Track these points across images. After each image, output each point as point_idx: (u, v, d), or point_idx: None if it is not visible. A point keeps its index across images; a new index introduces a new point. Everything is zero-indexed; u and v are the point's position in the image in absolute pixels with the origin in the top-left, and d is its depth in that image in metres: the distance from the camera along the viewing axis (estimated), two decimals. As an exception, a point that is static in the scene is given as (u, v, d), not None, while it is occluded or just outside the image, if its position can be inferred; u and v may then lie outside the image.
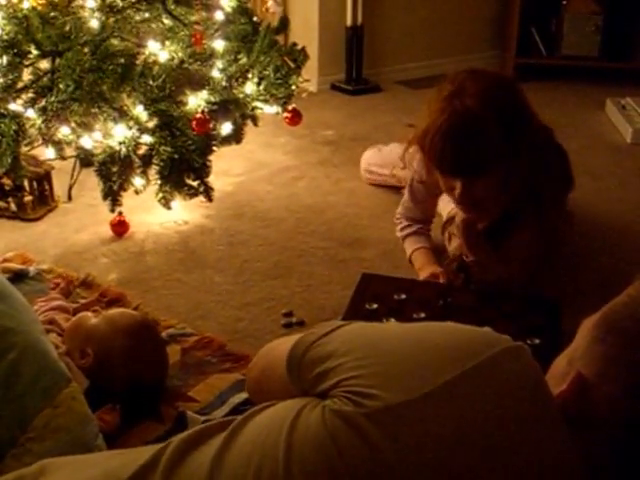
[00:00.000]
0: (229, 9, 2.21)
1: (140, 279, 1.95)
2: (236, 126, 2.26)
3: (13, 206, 2.28)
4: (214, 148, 2.17)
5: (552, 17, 3.85)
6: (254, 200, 2.45)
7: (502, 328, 0.95)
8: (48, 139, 2.02)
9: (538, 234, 1.79)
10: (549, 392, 0.81)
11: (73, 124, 1.99)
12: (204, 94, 2.10)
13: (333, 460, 0.78)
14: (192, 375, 1.55)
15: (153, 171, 2.08)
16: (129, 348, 1.43)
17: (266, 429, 0.85)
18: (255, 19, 2.27)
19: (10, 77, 1.87)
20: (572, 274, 2.00)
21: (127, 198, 2.12)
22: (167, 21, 2.07)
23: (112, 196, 2.05)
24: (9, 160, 1.87)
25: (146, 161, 2.04)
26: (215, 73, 2.14)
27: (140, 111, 1.99)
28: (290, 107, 2.29)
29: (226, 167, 2.61)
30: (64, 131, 2.00)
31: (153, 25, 2.07)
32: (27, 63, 1.91)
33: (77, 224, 2.25)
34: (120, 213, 2.14)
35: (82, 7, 1.99)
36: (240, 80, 2.21)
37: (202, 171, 2.10)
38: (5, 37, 1.87)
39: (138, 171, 2.06)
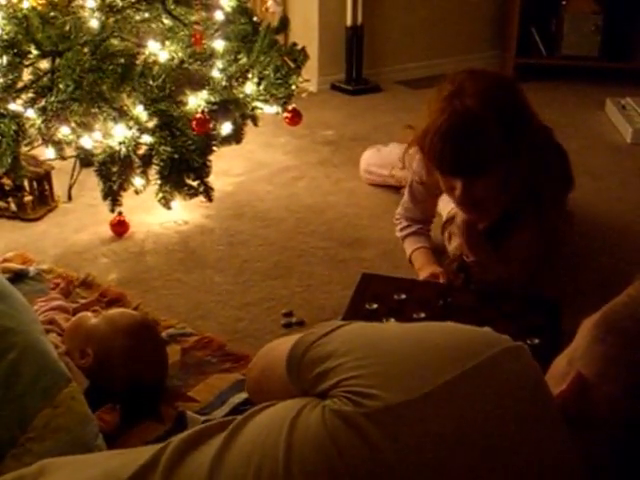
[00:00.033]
0: (229, 9, 2.21)
1: (140, 279, 1.95)
2: (236, 126, 2.26)
3: (13, 206, 2.28)
4: (214, 148, 2.17)
5: (552, 17, 3.84)
6: (254, 200, 2.45)
7: (502, 328, 0.95)
8: (48, 139, 2.02)
9: (538, 234, 1.79)
10: (549, 392, 0.81)
11: (73, 124, 1.99)
12: (204, 94, 2.10)
13: (333, 460, 0.78)
14: (192, 375, 1.55)
15: (153, 171, 2.08)
16: (129, 348, 1.43)
17: (266, 429, 0.85)
18: (255, 19, 2.27)
19: (10, 77, 1.87)
20: (572, 274, 2.00)
21: (127, 198, 2.12)
22: (167, 21, 2.07)
23: (112, 196, 2.05)
24: (9, 160, 1.87)
25: (146, 161, 2.04)
26: (215, 73, 2.14)
27: (140, 111, 1.99)
28: (290, 107, 2.29)
29: (226, 167, 2.61)
30: (64, 131, 2.00)
31: (153, 25, 2.07)
32: (27, 63, 1.91)
33: (77, 224, 2.25)
34: (120, 213, 2.14)
35: (82, 7, 1.99)
36: (240, 80, 2.21)
37: (202, 171, 2.10)
38: (5, 37, 1.87)
39: (138, 171, 2.06)
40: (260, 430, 0.86)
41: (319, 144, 2.95)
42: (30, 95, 1.89)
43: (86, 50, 1.90)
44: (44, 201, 2.32)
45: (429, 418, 0.77)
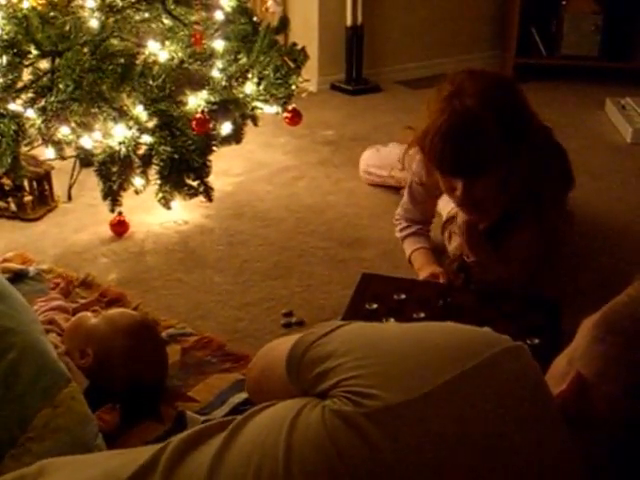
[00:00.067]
0: (229, 9, 2.21)
1: (140, 279, 1.95)
2: (236, 126, 2.26)
3: (13, 206, 2.28)
4: (214, 148, 2.17)
5: (552, 17, 3.84)
6: (254, 200, 2.45)
7: (502, 328, 0.95)
8: (48, 139, 2.02)
9: (538, 234, 1.79)
10: (549, 392, 0.81)
11: (73, 124, 1.99)
12: (204, 94, 2.10)
13: (333, 460, 0.78)
14: (192, 375, 1.55)
15: (153, 171, 2.08)
16: (129, 348, 1.43)
17: (266, 429, 0.85)
18: (255, 19, 2.27)
19: (10, 77, 1.87)
20: (572, 274, 2.00)
21: (127, 198, 2.12)
22: (167, 21, 2.07)
23: (112, 196, 2.05)
24: (9, 160, 1.87)
25: (146, 161, 2.04)
26: (215, 73, 2.14)
27: (140, 111, 1.99)
28: (290, 107, 2.29)
29: (226, 167, 2.61)
30: (64, 131, 2.00)
31: (153, 25, 2.07)
32: (27, 63, 1.91)
33: (77, 224, 2.25)
34: (120, 213, 2.14)
35: (82, 7, 1.99)
36: (240, 80, 2.21)
37: (202, 171, 2.10)
38: (5, 37, 1.87)
39: (138, 171, 2.06)
40: (260, 430, 0.86)
41: (319, 144, 2.95)
42: (30, 95, 1.89)
43: (86, 50, 1.90)
44: (44, 201, 2.32)
45: (429, 418, 0.77)
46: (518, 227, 1.80)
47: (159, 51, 2.06)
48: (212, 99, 2.10)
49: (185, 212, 2.30)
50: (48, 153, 2.11)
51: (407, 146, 1.92)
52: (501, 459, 0.76)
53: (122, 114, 1.97)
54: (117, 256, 2.07)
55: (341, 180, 2.61)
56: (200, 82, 2.11)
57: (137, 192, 2.13)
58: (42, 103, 1.88)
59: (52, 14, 1.95)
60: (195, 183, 2.11)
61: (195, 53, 2.09)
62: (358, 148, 2.73)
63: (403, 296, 1.75)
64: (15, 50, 1.87)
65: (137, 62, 1.98)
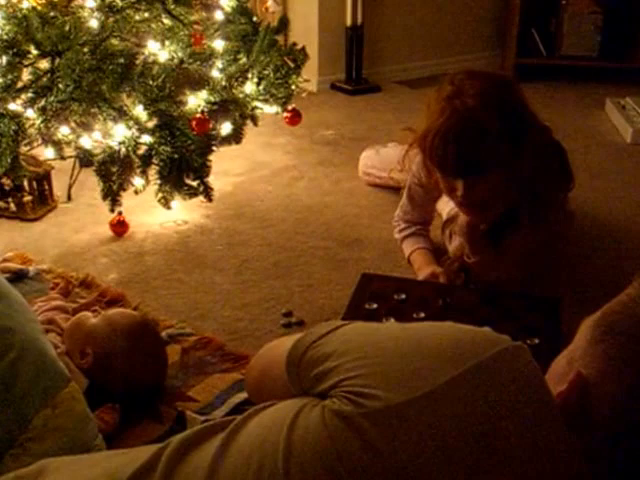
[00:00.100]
0: (229, 9, 2.21)
1: (140, 279, 1.95)
2: (236, 126, 2.26)
3: (13, 206, 2.27)
4: (214, 148, 2.17)
5: (552, 17, 3.85)
6: (254, 200, 2.45)
7: (502, 328, 0.94)
8: (48, 139, 2.02)
9: (538, 234, 1.79)
10: (549, 392, 0.81)
11: (73, 124, 1.99)
12: (204, 94, 2.10)
13: (332, 460, 0.78)
14: (192, 375, 1.55)
15: (153, 171, 2.08)
16: (129, 348, 1.43)
17: (266, 429, 0.85)
18: (255, 19, 2.27)
19: (9, 77, 1.87)
20: (572, 274, 2.00)
21: (127, 198, 2.12)
22: (167, 21, 2.07)
23: (112, 196, 2.05)
24: (9, 160, 1.87)
25: (146, 161, 2.04)
26: (215, 73, 2.15)
27: (140, 111, 1.99)
28: (290, 107, 2.29)
29: (226, 167, 2.61)
30: (64, 131, 2.00)
31: (153, 25, 2.07)
32: (26, 63, 1.91)
33: (77, 224, 2.25)
34: (120, 213, 2.14)
35: (82, 7, 2.00)
36: (240, 80, 2.21)
37: (202, 171, 2.10)
38: (5, 37, 1.87)
39: (138, 171, 2.06)
40: (260, 430, 0.86)
41: (319, 144, 2.95)
42: (30, 95, 1.89)
43: (86, 50, 1.90)
44: (44, 201, 2.32)
45: (429, 418, 0.77)
46: (518, 227, 1.80)
47: (159, 51, 2.06)
48: (212, 99, 2.10)
49: (185, 212, 2.30)
50: (48, 153, 2.11)
51: (407, 147, 1.92)
52: (501, 459, 0.76)
53: (122, 114, 1.96)
54: (117, 256, 2.07)
55: (341, 180, 2.61)
56: (200, 82, 2.11)
57: (137, 192, 2.14)
58: (42, 103, 1.88)
59: (52, 14, 1.95)
60: (195, 183, 2.11)
61: (195, 53, 2.09)
62: (358, 148, 2.73)
63: (403, 296, 1.75)
64: (15, 50, 1.87)
65: (137, 62, 1.98)
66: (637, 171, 2.73)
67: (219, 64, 2.16)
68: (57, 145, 2.07)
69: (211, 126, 2.08)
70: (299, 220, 2.31)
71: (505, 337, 0.85)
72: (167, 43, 2.07)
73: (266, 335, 1.70)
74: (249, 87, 2.22)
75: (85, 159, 2.19)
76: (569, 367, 0.82)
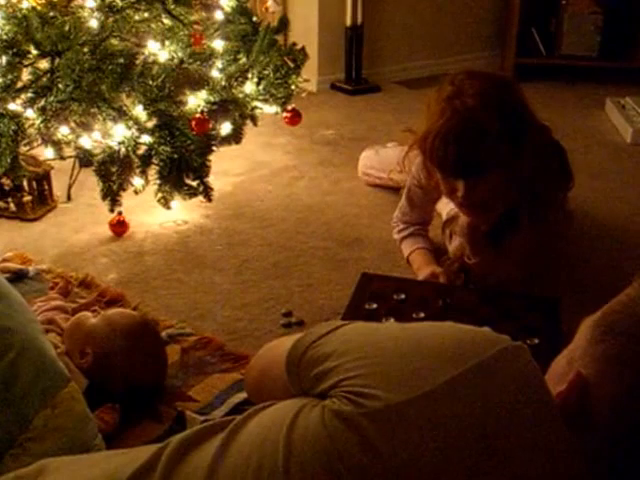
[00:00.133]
0: (228, 9, 2.21)
1: (139, 279, 1.95)
2: (235, 126, 2.26)
3: (12, 206, 2.27)
4: (213, 148, 2.17)
5: (552, 17, 3.85)
6: (253, 200, 2.44)
7: (502, 328, 0.95)
8: (47, 139, 2.02)
9: (538, 233, 1.79)
10: (549, 392, 0.81)
11: (72, 124, 1.99)
12: (203, 94, 2.10)
13: (332, 460, 0.78)
14: (191, 375, 1.55)
15: (152, 171, 2.08)
16: (128, 348, 1.43)
17: (265, 429, 0.85)
18: (255, 19, 2.27)
19: (9, 77, 1.87)
20: (572, 274, 2.00)
21: (126, 198, 2.12)
22: (167, 21, 2.07)
23: (111, 196, 2.05)
24: (8, 160, 1.87)
25: (145, 161, 2.04)
26: (214, 73, 2.14)
27: (139, 111, 1.99)
28: (290, 107, 2.29)
29: (225, 167, 2.61)
30: (63, 131, 2.00)
31: (152, 25, 2.07)
32: (26, 63, 1.91)
33: (76, 224, 2.25)
34: (119, 213, 2.14)
35: (81, 7, 1.99)
36: (240, 80, 2.20)
37: (201, 171, 2.10)
38: (4, 37, 1.87)
39: (137, 171, 2.06)
40: (260, 430, 0.86)
41: (318, 144, 2.95)
42: (29, 95, 1.89)
43: (85, 50, 1.90)
44: (43, 201, 2.32)
45: (429, 418, 0.77)
46: (518, 227, 1.79)
47: (159, 51, 2.06)
48: (212, 99, 2.10)
49: (185, 212, 2.29)
50: (47, 153, 2.11)
51: (407, 148, 1.92)
52: (500, 459, 0.76)
53: (122, 114, 1.96)
54: (116, 256, 2.07)
55: (341, 180, 2.61)
56: (200, 82, 2.11)
57: (136, 192, 2.14)
58: (42, 103, 1.88)
59: (52, 14, 1.95)
60: (195, 183, 2.11)
61: (195, 53, 2.09)
62: (358, 148, 2.73)
63: (403, 296, 1.75)
64: (15, 50, 1.87)
65: (137, 62, 1.98)
66: (637, 171, 2.73)
67: (219, 64, 2.16)
68: (57, 145, 2.07)
69: (211, 126, 2.08)
70: (299, 220, 2.31)
71: (505, 337, 0.85)
72: (167, 43, 2.07)
73: (266, 335, 1.70)
74: (249, 87, 2.22)
75: (85, 159, 2.19)
76: (569, 367, 0.82)
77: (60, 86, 1.86)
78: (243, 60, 2.20)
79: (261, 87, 2.22)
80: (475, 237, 1.79)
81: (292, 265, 2.04)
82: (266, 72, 2.21)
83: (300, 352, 0.92)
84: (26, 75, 1.93)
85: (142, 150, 2.03)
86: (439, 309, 1.71)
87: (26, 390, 1.18)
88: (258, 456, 0.82)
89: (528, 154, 1.69)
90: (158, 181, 2.07)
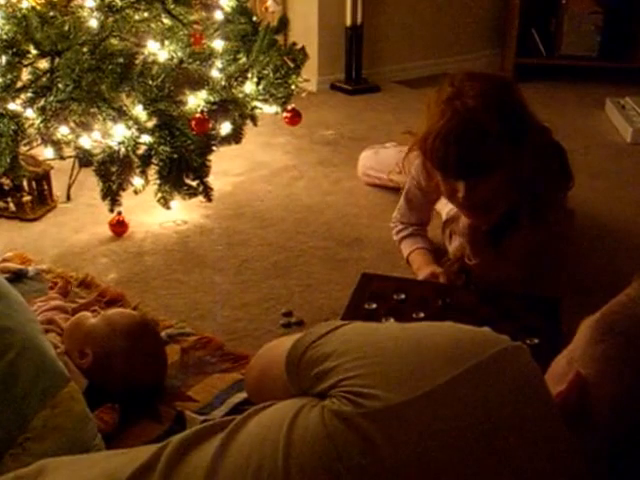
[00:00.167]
0: (228, 9, 2.21)
1: (139, 279, 1.95)
2: (235, 126, 2.26)
3: (12, 206, 2.27)
4: (213, 148, 2.17)
5: (552, 17, 3.85)
6: (253, 200, 2.44)
7: (501, 328, 0.94)
8: (47, 139, 2.02)
9: (538, 234, 1.79)
10: (549, 392, 0.80)
11: (72, 124, 1.99)
12: (203, 94, 2.10)
13: (332, 460, 0.78)
14: (191, 375, 1.55)
15: (152, 171, 2.08)
16: (128, 348, 1.43)
17: (265, 429, 0.85)
18: (254, 19, 2.27)
19: (9, 77, 1.87)
20: (572, 274, 2.00)
21: (126, 198, 2.12)
22: (166, 21, 2.07)
23: (111, 196, 2.05)
24: (8, 160, 1.87)
25: (145, 161, 2.04)
26: (214, 73, 2.14)
27: (139, 111, 1.99)
28: (289, 107, 2.29)
29: (225, 167, 2.61)
30: (63, 131, 2.00)
31: (152, 25, 2.07)
32: (26, 63, 1.91)
33: (76, 224, 2.25)
34: (119, 213, 2.14)
35: (81, 7, 1.99)
36: (239, 80, 2.20)
37: (201, 171, 2.10)
38: (4, 37, 1.87)
39: (137, 171, 2.06)
40: (259, 430, 0.86)
41: (318, 144, 2.95)
42: (29, 95, 1.89)
43: (85, 50, 1.89)
44: (43, 201, 2.31)
45: (429, 418, 0.77)
46: (519, 228, 1.79)
47: (158, 51, 2.06)
48: (211, 99, 2.10)
49: (184, 212, 2.29)
50: (47, 153, 2.11)
51: (407, 150, 1.92)
52: (500, 459, 0.76)
53: (121, 114, 1.96)
54: (116, 256, 2.07)
55: (340, 180, 2.61)
56: (199, 82, 2.11)
57: (136, 192, 2.14)
58: (41, 103, 1.88)
59: (51, 14, 1.95)
60: (194, 183, 2.11)
61: (194, 53, 2.09)
62: (357, 148, 2.73)
63: (403, 296, 1.75)
64: (14, 50, 1.87)
65: (136, 62, 1.98)
66: (637, 171, 2.73)
67: (219, 64, 2.16)
68: (56, 145, 2.07)
69: (211, 126, 2.08)
70: (299, 220, 2.31)
71: (505, 337, 0.85)
72: (167, 43, 2.07)
73: (265, 335, 1.70)
74: (249, 87, 2.22)
75: (84, 159, 2.18)
76: (569, 367, 0.82)
77: (60, 86, 1.86)
78: (243, 60, 2.20)
79: (261, 87, 2.22)
80: (476, 238, 1.79)
81: (292, 265, 2.04)
82: (266, 72, 2.21)
83: (300, 352, 0.92)
84: (26, 75, 1.93)
85: (142, 150, 2.03)
86: (439, 309, 1.71)
87: (26, 390, 1.18)
88: (258, 456, 0.82)
89: (528, 154, 1.69)
90: (158, 181, 2.07)
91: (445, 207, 2.04)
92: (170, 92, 2.03)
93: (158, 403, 1.45)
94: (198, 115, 2.02)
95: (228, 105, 2.15)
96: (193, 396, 1.48)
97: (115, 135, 1.98)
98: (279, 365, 0.96)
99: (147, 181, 2.11)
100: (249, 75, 2.21)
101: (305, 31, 3.50)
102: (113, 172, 2.02)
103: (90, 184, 2.28)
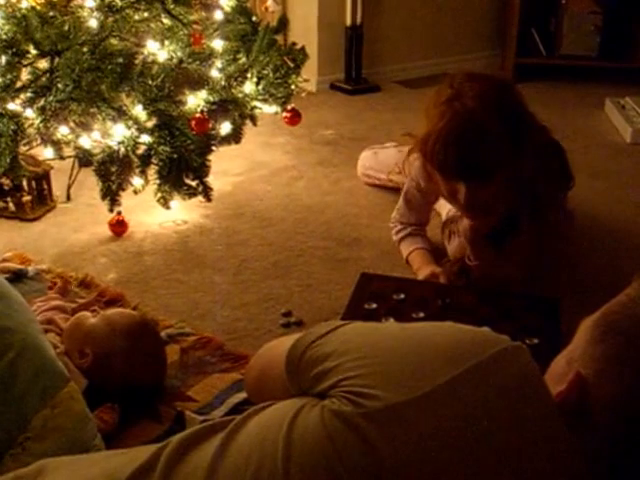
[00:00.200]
0: (228, 8, 2.21)
1: (139, 279, 1.95)
2: (235, 126, 2.26)
3: (12, 206, 2.27)
4: (213, 148, 2.17)
5: (552, 17, 3.85)
6: (253, 200, 2.44)
7: (501, 328, 0.95)
8: (47, 139, 2.01)
9: (538, 234, 1.79)
10: (548, 392, 0.80)
11: (72, 124, 1.99)
12: (203, 94, 2.10)
13: (332, 460, 0.78)
14: (191, 375, 1.55)
15: (152, 171, 2.08)
16: (128, 348, 1.43)
17: (265, 429, 0.85)
18: (254, 18, 2.27)
19: (9, 77, 1.87)
20: (572, 274, 2.00)
21: (126, 198, 2.12)
22: (166, 20, 2.07)
23: (111, 196, 2.05)
24: (8, 160, 1.87)
25: (145, 161, 2.04)
26: (214, 73, 2.14)
27: (139, 111, 1.99)
28: (289, 107, 2.29)
29: (225, 167, 2.61)
30: (63, 131, 2.00)
31: (152, 25, 2.07)
32: (26, 63, 1.91)
33: (76, 224, 2.25)
34: (119, 213, 2.13)
35: (81, 6, 1.99)
36: (239, 80, 2.20)
37: (201, 171, 2.10)
38: (4, 37, 1.87)
39: (137, 171, 2.06)
40: (259, 430, 0.86)
41: (318, 144, 2.95)
42: (29, 95, 1.89)
43: (85, 50, 1.89)
44: (43, 201, 2.31)
45: (428, 418, 0.77)
46: (519, 227, 1.79)
47: (158, 51, 2.06)
48: (211, 99, 2.10)
49: (184, 212, 2.29)
50: (47, 153, 2.11)
51: (407, 152, 1.91)
52: (500, 459, 0.76)
53: (121, 114, 1.96)
54: (116, 256, 2.07)
55: (340, 180, 2.61)
56: (199, 82, 2.11)
57: (136, 192, 2.14)
58: (41, 103, 1.88)
59: (51, 14, 1.95)
60: (194, 183, 2.11)
61: (194, 53, 2.09)
62: (357, 148, 2.73)
63: (402, 296, 1.75)
64: (14, 50, 1.87)
65: (136, 62, 1.98)
66: (637, 171, 2.73)
67: (218, 64, 2.16)
68: (56, 145, 2.07)
69: (210, 126, 2.08)
70: (298, 220, 2.31)
71: (504, 337, 0.85)
72: (166, 43, 2.07)
73: (265, 335, 1.70)
74: (248, 87, 2.22)
75: (84, 159, 2.18)
76: (568, 367, 0.82)
77: (59, 86, 1.86)
78: (243, 60, 2.20)
79: (261, 87, 2.22)
80: (477, 239, 1.78)
81: (291, 265, 2.04)
82: (266, 72, 2.21)
83: (300, 352, 0.92)
84: (25, 75, 1.92)
85: (142, 150, 2.03)
86: (439, 309, 1.71)
87: (25, 390, 1.18)
88: (258, 456, 0.82)
89: (528, 155, 1.69)
90: (157, 181, 2.07)
91: (445, 207, 2.04)
92: (170, 92, 2.03)
93: (158, 403, 1.45)
94: (198, 115, 2.02)
95: (228, 105, 2.15)
96: (193, 396, 1.48)
97: (115, 135, 1.98)
98: (279, 365, 0.96)
99: (147, 181, 2.11)
100: (249, 75, 2.21)
101: (305, 31, 3.50)
102: (113, 172, 2.02)
103: (90, 184, 2.28)
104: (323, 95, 3.59)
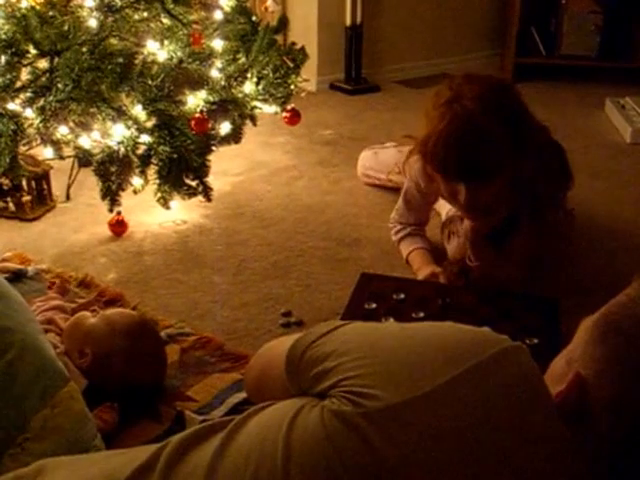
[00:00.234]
0: (228, 8, 2.21)
1: (138, 279, 1.95)
2: (235, 126, 2.26)
3: (11, 206, 2.27)
4: (213, 148, 2.17)
5: (552, 17, 3.85)
6: (253, 200, 2.44)
7: (501, 328, 0.94)
8: (46, 139, 2.01)
9: (538, 234, 1.79)
10: (548, 392, 0.80)
11: (71, 124, 1.99)
12: (203, 94, 2.10)
13: (331, 460, 0.78)
14: (191, 375, 1.55)
15: (152, 171, 2.08)
16: (128, 348, 1.43)
17: (265, 429, 0.85)
18: (254, 18, 2.27)
19: (8, 77, 1.87)
20: (572, 274, 2.00)
21: (126, 198, 2.12)
22: (166, 20, 2.07)
23: (111, 196, 2.04)
24: (7, 160, 1.87)
25: (145, 161, 2.04)
26: (214, 73, 2.14)
27: (139, 111, 1.99)
28: (289, 107, 2.29)
29: (225, 167, 2.61)
30: (62, 131, 2.00)
31: (152, 24, 2.07)
32: (25, 62, 1.91)
33: (75, 224, 2.25)
34: (119, 213, 2.13)
35: (81, 6, 1.99)
36: (239, 80, 2.20)
37: (201, 171, 2.10)
38: (3, 36, 1.87)
39: (137, 171, 2.06)
40: (259, 430, 0.86)
41: (318, 144, 2.95)
42: (28, 95, 1.89)
43: (85, 49, 1.89)
44: (42, 201, 2.31)
45: (428, 418, 0.77)
46: (519, 227, 1.79)
47: (158, 51, 2.06)
48: (211, 99, 2.10)
49: (184, 212, 2.29)
50: (47, 153, 2.11)
51: (407, 154, 1.91)
52: (500, 459, 0.76)
53: (121, 114, 1.96)
54: (116, 256, 2.07)
55: (340, 180, 2.61)
56: (199, 82, 2.11)
57: (136, 192, 2.13)
58: (41, 103, 1.88)
59: (51, 13, 1.95)
60: (194, 183, 2.11)
61: (194, 53, 2.09)
62: (357, 148, 2.73)
63: (402, 296, 1.75)
64: (14, 50, 1.87)
65: (136, 62, 1.98)
66: (637, 171, 2.73)
67: (218, 64, 2.16)
68: (56, 145, 2.07)
69: (210, 126, 2.08)
70: (298, 220, 2.31)
71: (504, 337, 0.85)
72: (166, 43, 2.07)
73: (265, 335, 1.70)
74: (248, 87, 2.22)
75: (84, 159, 2.18)
76: (568, 367, 0.82)
77: (59, 86, 1.86)
78: (242, 60, 2.20)
79: (260, 87, 2.22)
80: (477, 240, 1.78)
81: (291, 265, 2.04)
82: (265, 72, 2.21)
83: (299, 352, 0.92)
84: (25, 75, 1.92)
85: (141, 150, 2.03)
86: (439, 309, 1.71)
87: (25, 390, 1.18)
88: (257, 456, 0.82)
89: (528, 155, 1.69)
90: (157, 181, 2.07)
91: (444, 207, 2.04)
92: (170, 92, 2.03)
93: (158, 403, 1.45)
94: (198, 115, 2.02)
95: (227, 105, 2.15)
96: (193, 396, 1.48)
97: (114, 135, 1.98)
98: (279, 365, 0.95)
99: (146, 181, 2.11)
100: (248, 75, 2.21)
101: (305, 31, 3.50)
102: (112, 172, 2.02)
103: (89, 184, 2.28)
104: (323, 95, 3.59)
